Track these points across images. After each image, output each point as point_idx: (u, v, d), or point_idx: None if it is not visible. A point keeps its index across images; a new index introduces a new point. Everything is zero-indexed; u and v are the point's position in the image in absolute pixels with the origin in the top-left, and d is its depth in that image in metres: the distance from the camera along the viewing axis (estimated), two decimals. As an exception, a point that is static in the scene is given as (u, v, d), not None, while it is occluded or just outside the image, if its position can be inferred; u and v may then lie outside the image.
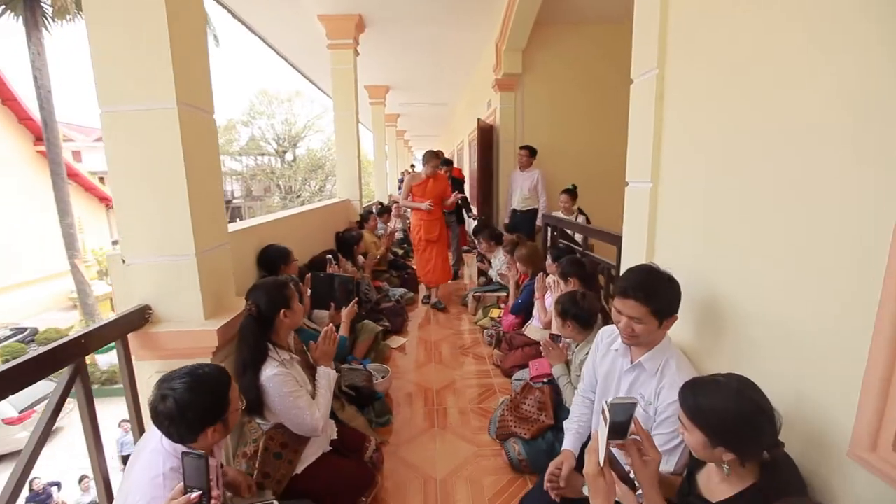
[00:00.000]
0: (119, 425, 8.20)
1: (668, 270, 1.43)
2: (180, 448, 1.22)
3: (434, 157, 4.62)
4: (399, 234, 7.27)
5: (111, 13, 1.51)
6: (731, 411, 1.01)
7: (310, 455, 1.86)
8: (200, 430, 1.21)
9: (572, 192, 4.80)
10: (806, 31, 1.11)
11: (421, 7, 5.02)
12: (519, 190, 5.39)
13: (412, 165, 19.01)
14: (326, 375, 1.86)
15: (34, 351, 1.34)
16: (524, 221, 5.34)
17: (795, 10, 1.14)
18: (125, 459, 7.35)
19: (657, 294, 1.36)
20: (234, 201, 39.27)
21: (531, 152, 5.25)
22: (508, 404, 2.43)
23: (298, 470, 1.81)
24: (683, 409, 1.09)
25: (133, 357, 1.70)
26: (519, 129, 5.75)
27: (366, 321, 3.38)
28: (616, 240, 2.34)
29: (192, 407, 1.19)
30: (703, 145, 1.53)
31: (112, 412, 7.57)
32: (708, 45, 1.50)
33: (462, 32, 5.88)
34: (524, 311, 3.56)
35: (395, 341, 3.82)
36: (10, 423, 9.30)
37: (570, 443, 1.77)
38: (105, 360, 11.90)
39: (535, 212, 5.34)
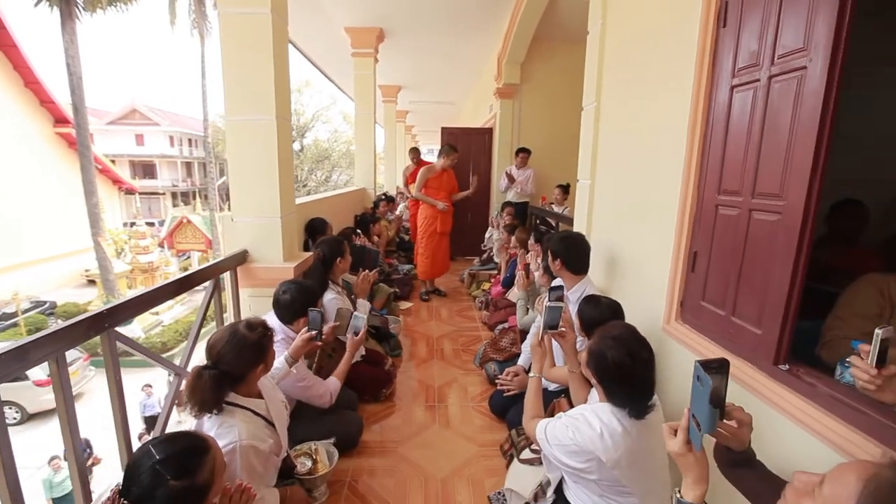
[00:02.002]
0: (142, 389, 8.93)
1: (600, 238, 2.27)
2: (287, 327, 2.07)
3: (453, 151, 4.63)
4: (406, 223, 8.08)
5: (239, 58, 2.34)
6: (593, 316, 1.84)
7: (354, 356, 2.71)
8: (301, 316, 2.04)
9: (565, 189, 5.66)
10: (659, 100, 1.94)
11: (434, 22, 5.81)
12: (514, 185, 6.21)
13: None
14: (364, 304, 2.72)
15: (193, 270, 2.18)
16: (519, 211, 6.16)
17: (654, 88, 1.97)
18: (147, 420, 8.01)
19: (555, 243, 2.22)
20: (242, 188, 40.15)
21: (526, 153, 6.09)
22: (490, 342, 3.28)
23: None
24: (577, 308, 1.94)
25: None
26: (516, 133, 6.55)
27: (381, 284, 4.22)
28: (571, 221, 3.17)
29: (298, 300, 2.03)
30: (615, 155, 2.37)
31: (133, 380, 8.21)
32: (620, 91, 2.33)
33: (469, 44, 6.68)
34: (510, 284, 4.40)
35: (403, 305, 4.66)
36: (40, 384, 10.06)
37: (522, 360, 2.64)
38: (124, 331, 12.57)
39: (527, 203, 6.17)
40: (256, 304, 2.54)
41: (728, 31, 1.45)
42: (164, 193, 32.94)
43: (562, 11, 5.34)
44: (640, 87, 2.11)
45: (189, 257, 20.66)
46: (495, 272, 5.26)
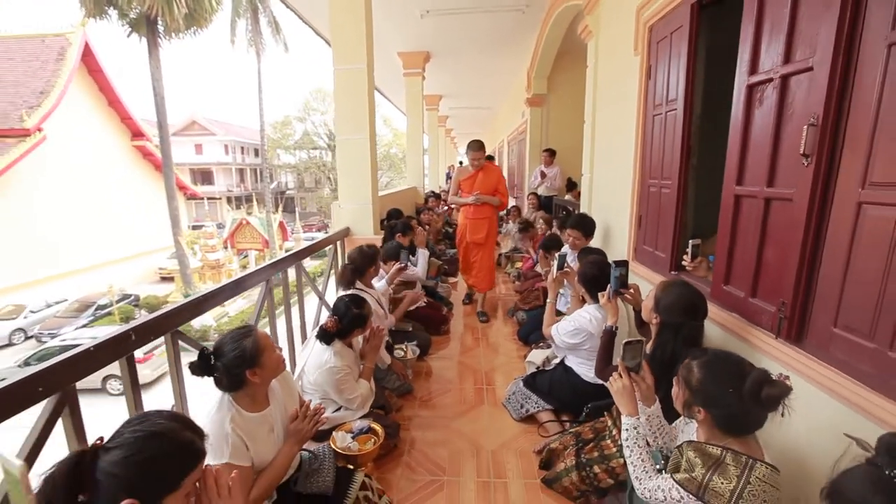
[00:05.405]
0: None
1: (597, 213, 3.29)
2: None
3: (471, 149, 4.05)
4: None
5: (345, 97, 3.52)
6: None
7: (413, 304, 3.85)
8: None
9: None
10: (624, 120, 2.95)
11: (472, 44, 6.90)
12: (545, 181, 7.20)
13: (460, 162, 19.71)
14: (423, 252, 3.86)
15: (321, 239, 3.36)
16: (547, 204, 7.15)
17: (621, 110, 2.98)
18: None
19: (580, 225, 3.24)
20: (288, 192, 42.32)
21: (552, 153, 7.07)
22: (519, 298, 4.34)
23: (409, 308, 3.79)
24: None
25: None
26: (545, 136, 7.53)
27: (432, 259, 5.37)
28: (577, 206, 4.18)
29: (386, 248, 3.18)
30: (602, 155, 3.38)
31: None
32: (604, 111, 3.34)
33: (502, 61, 7.72)
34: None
35: (451, 279, 5.79)
36: (137, 361, 11.85)
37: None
38: (197, 321, 14.23)
39: (553, 197, 7.14)
40: (355, 265, 3.72)
41: (651, 81, 2.46)
42: (220, 198, 35.67)
43: (579, 33, 6.28)
44: (614, 110, 3.12)
45: (247, 256, 22.67)
46: (523, 254, 6.30)
